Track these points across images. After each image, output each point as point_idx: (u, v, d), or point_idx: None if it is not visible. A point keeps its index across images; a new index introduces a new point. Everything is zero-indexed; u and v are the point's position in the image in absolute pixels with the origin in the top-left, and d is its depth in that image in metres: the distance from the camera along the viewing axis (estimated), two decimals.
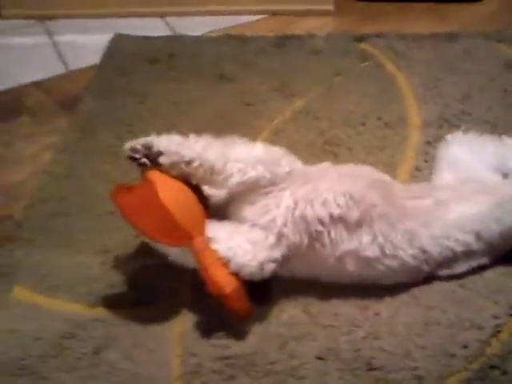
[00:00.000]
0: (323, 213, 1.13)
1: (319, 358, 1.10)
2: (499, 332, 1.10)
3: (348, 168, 1.25)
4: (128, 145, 1.15)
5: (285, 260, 1.16)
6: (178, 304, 1.22)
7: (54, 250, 1.37)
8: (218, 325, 1.17)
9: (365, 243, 1.14)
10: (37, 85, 1.89)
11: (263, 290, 1.21)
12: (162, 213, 1.09)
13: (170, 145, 1.14)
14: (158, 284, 1.27)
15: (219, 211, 1.22)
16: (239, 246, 1.11)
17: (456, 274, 1.19)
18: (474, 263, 1.18)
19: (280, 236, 1.14)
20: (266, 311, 1.19)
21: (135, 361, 1.13)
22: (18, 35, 2.14)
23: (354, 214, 1.13)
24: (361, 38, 1.89)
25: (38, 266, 1.33)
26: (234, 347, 1.13)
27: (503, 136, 1.39)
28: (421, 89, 1.69)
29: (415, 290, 1.19)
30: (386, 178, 1.27)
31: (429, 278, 1.20)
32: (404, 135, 1.56)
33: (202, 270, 1.11)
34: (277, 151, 1.20)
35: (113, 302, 1.25)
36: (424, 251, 1.15)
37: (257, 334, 1.15)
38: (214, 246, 1.11)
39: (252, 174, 1.13)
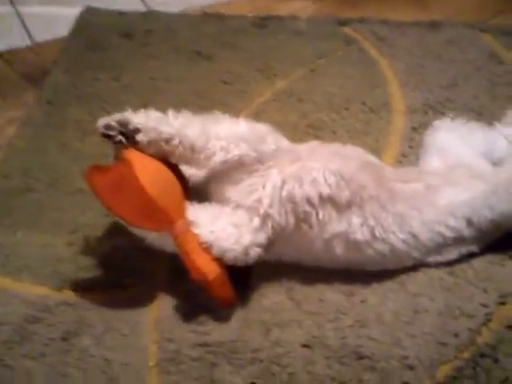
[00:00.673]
0: (312, 192, 1.07)
1: (305, 346, 1.05)
2: (489, 321, 1.07)
3: (338, 147, 1.19)
4: (102, 121, 1.07)
5: (270, 243, 1.10)
6: (153, 287, 1.16)
7: (18, 229, 1.29)
8: (196, 309, 1.11)
9: (354, 225, 1.09)
10: None
11: (242, 274, 1.14)
12: (139, 195, 1.02)
13: (148, 121, 1.06)
14: (132, 266, 1.20)
15: (199, 192, 1.15)
16: (222, 229, 1.05)
17: (445, 261, 1.15)
18: (463, 250, 1.15)
19: (265, 217, 1.07)
20: (247, 296, 1.13)
21: (108, 347, 1.07)
22: None
23: (344, 195, 1.08)
24: (343, 23, 1.84)
25: (2, 247, 1.25)
26: (215, 333, 1.08)
27: (493, 123, 1.36)
28: (405, 75, 1.66)
29: (403, 277, 1.15)
30: (376, 160, 1.22)
31: (417, 265, 1.15)
32: (388, 120, 1.51)
33: (184, 255, 1.05)
34: (261, 128, 1.14)
35: (83, 285, 1.18)
36: (414, 236, 1.11)
37: (238, 320, 1.10)
38: (196, 231, 1.04)
39: (235, 152, 1.07)
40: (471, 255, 1.16)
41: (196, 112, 1.14)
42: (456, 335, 1.04)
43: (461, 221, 1.12)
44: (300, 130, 1.48)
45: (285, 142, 1.16)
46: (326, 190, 1.07)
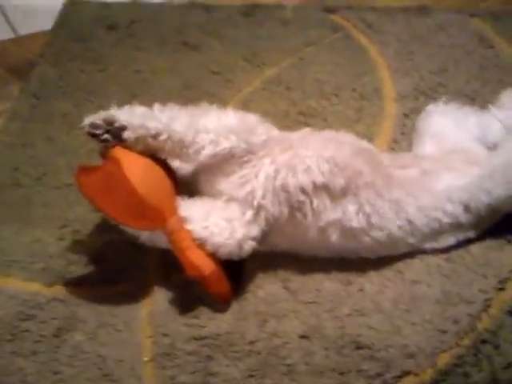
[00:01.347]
0: (306, 181, 1.05)
1: (302, 337, 1.04)
2: (489, 306, 1.06)
3: (331, 134, 1.17)
4: (87, 120, 1.04)
5: (264, 235, 1.08)
6: (146, 281, 1.14)
7: (6, 225, 1.27)
8: (190, 303, 1.10)
9: (350, 213, 1.07)
10: None
11: (236, 266, 1.12)
12: (130, 194, 0.99)
13: (134, 117, 1.03)
14: (123, 260, 1.18)
15: (188, 185, 1.12)
16: (215, 224, 1.03)
17: (442, 247, 1.13)
18: (460, 236, 1.13)
19: (259, 209, 1.05)
20: (243, 287, 1.11)
21: (101, 342, 1.05)
22: None
23: (339, 182, 1.06)
24: (331, 10, 1.81)
25: None
26: (210, 326, 1.06)
27: (487, 106, 1.34)
28: (394, 61, 1.63)
29: (400, 265, 1.13)
30: (370, 145, 1.20)
31: (414, 252, 1.13)
32: (380, 107, 1.49)
33: (178, 252, 1.02)
34: (251, 118, 1.11)
35: (74, 281, 1.16)
36: (410, 222, 1.09)
37: (234, 312, 1.08)
38: (189, 227, 1.02)
39: (225, 144, 1.04)
40: (468, 241, 1.14)
41: (184, 104, 1.11)
42: (456, 322, 1.03)
43: (457, 206, 1.10)
44: (290, 119, 1.46)
45: (275, 131, 1.14)
46: (319, 178, 1.05)
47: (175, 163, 1.13)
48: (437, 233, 1.12)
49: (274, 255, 1.14)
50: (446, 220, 1.10)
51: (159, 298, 1.10)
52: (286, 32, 1.74)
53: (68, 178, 1.35)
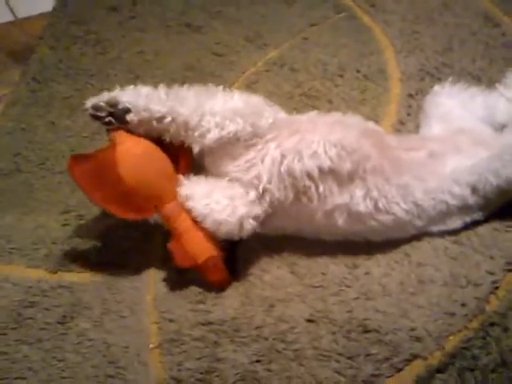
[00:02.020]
0: (312, 166, 1.03)
1: (309, 321, 1.02)
2: (497, 288, 1.04)
3: (338, 116, 1.15)
4: (90, 102, 1.02)
5: (267, 217, 1.06)
6: (150, 266, 1.13)
7: (8, 212, 1.26)
8: (196, 288, 1.08)
9: (357, 198, 1.05)
10: None
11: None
12: (117, 182, 0.97)
13: (138, 100, 1.01)
14: (127, 245, 1.18)
15: (195, 165, 1.11)
16: (217, 201, 1.02)
17: (450, 230, 1.12)
18: (468, 219, 1.11)
19: (264, 192, 1.04)
20: (248, 272, 1.10)
21: (106, 329, 1.04)
22: None
23: (346, 166, 1.04)
24: None
25: None
26: (216, 312, 1.05)
27: (495, 85, 1.32)
28: (399, 41, 1.61)
29: (406, 247, 1.11)
30: (377, 127, 1.18)
31: (421, 235, 1.12)
32: (385, 88, 1.47)
33: (174, 239, 1.01)
34: (257, 101, 1.09)
35: (78, 266, 1.16)
36: (418, 205, 1.07)
37: (240, 296, 1.07)
38: (190, 204, 1.01)
39: (231, 128, 1.02)
40: (476, 223, 1.13)
41: (187, 85, 1.09)
42: (463, 305, 1.01)
43: (465, 188, 1.08)
44: (294, 100, 1.44)
45: (282, 114, 1.12)
46: (326, 163, 1.03)
47: None
48: (444, 215, 1.10)
49: (279, 239, 1.13)
50: (453, 202, 1.09)
51: (164, 283, 1.09)
52: (289, 12, 1.72)
53: None
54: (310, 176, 1.04)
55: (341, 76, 1.51)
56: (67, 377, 0.98)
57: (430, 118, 1.27)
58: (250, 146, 1.05)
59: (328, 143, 1.04)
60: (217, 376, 0.96)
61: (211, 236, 1.03)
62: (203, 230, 1.02)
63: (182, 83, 1.09)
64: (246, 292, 1.07)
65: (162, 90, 1.04)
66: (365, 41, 1.62)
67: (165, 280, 1.10)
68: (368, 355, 0.97)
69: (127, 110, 1.00)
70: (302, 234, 1.12)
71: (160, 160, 1.03)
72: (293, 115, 1.15)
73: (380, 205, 1.05)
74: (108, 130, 1.04)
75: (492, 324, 0.99)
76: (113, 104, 1.01)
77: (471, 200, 1.09)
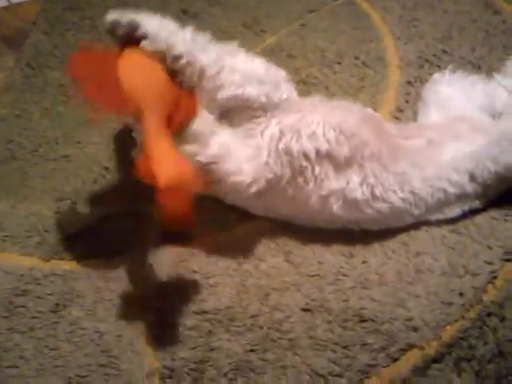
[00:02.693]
0: (309, 147, 1.02)
1: (305, 310, 1.01)
2: (495, 278, 1.03)
3: (340, 102, 1.13)
4: (111, 16, 0.98)
5: (262, 195, 1.05)
6: (144, 254, 1.11)
7: (2, 199, 1.25)
8: (191, 276, 1.07)
9: (354, 183, 1.04)
10: None
11: None
12: (116, 81, 0.91)
13: (160, 31, 0.97)
14: (121, 233, 1.16)
15: None
16: (235, 149, 1.01)
17: (448, 218, 1.10)
18: (466, 207, 1.10)
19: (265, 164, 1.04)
20: (244, 260, 1.09)
21: (100, 318, 1.03)
22: None
23: (344, 151, 1.03)
24: None
25: None
26: (211, 301, 1.04)
27: (492, 74, 1.30)
28: (398, 28, 1.59)
29: (404, 236, 1.11)
30: (377, 114, 1.17)
31: (418, 224, 1.11)
32: (383, 75, 1.45)
33: (145, 155, 0.91)
34: (278, 72, 1.09)
35: (71, 255, 1.14)
36: (415, 194, 1.06)
37: (235, 285, 1.06)
38: (211, 139, 0.98)
39: (247, 90, 1.01)
40: (474, 212, 1.12)
41: None
42: (461, 294, 1.00)
43: (463, 175, 1.07)
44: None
45: (294, 94, 1.11)
46: (324, 146, 1.02)
47: None
48: (442, 204, 1.09)
49: (276, 228, 1.12)
50: (451, 190, 1.08)
51: (157, 272, 1.08)
52: None
53: (65, 149, 1.33)
54: (306, 157, 1.03)
55: (339, 63, 1.49)
56: (59, 365, 0.97)
57: (428, 106, 1.26)
58: (253, 117, 1.03)
59: (328, 125, 1.03)
60: (211, 365, 0.95)
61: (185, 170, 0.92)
62: (181, 158, 0.93)
63: None
64: (241, 281, 1.06)
65: (188, 31, 1.01)
66: (363, 27, 1.60)
67: (159, 269, 1.09)
68: (364, 345, 0.96)
69: (145, 36, 0.96)
70: (299, 221, 1.10)
71: (161, 79, 0.97)
72: (301, 97, 1.14)
73: (377, 192, 1.04)
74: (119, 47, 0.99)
75: (489, 314, 0.98)
76: (133, 26, 0.97)
77: (469, 188, 1.08)
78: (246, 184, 1.01)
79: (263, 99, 1.02)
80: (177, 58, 0.97)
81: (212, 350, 0.97)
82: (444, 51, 1.50)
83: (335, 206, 1.05)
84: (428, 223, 1.11)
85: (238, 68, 1.00)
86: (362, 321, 0.99)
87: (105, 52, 0.98)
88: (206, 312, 1.01)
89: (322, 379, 0.93)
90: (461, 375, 0.92)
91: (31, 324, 1.02)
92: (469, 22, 1.58)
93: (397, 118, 1.34)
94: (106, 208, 1.20)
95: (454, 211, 1.10)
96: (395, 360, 0.94)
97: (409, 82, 1.42)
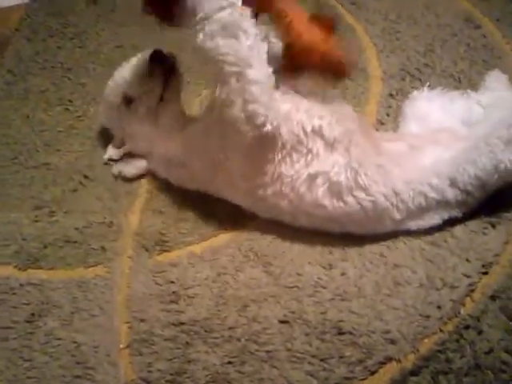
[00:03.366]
0: (306, 120, 1.08)
1: (283, 322, 1.01)
2: (472, 291, 1.03)
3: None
4: None
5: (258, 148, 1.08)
6: (122, 264, 1.11)
7: None
8: (169, 286, 1.06)
9: (339, 167, 1.08)
10: None
11: None
12: None
13: None
14: (99, 243, 1.15)
15: None
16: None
17: (428, 226, 1.11)
18: (446, 215, 1.11)
19: None
20: (221, 271, 1.08)
21: (76, 328, 1.02)
22: None
23: (334, 133, 1.08)
24: None
25: None
26: (189, 312, 1.03)
27: (467, 91, 1.31)
28: (380, 40, 1.60)
29: (382, 248, 1.11)
30: (364, 117, 1.22)
31: (397, 235, 1.11)
32: (365, 87, 1.46)
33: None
34: None
35: (48, 264, 1.13)
36: (397, 193, 1.07)
37: (213, 296, 1.05)
38: None
39: None
40: (453, 223, 1.12)
41: None
42: (439, 307, 1.01)
43: (444, 180, 1.08)
44: None
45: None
46: (317, 122, 1.08)
47: None
48: (423, 209, 1.09)
49: (254, 238, 1.12)
50: (432, 195, 1.08)
51: (136, 282, 1.08)
52: None
53: (45, 157, 1.32)
54: (303, 129, 1.08)
55: None
56: (33, 377, 0.96)
57: (409, 120, 1.28)
58: None
59: (322, 108, 1.10)
60: (188, 377, 0.95)
61: None
62: None
63: None
64: (219, 292, 1.06)
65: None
66: (347, 39, 1.60)
67: (137, 279, 1.08)
68: (341, 357, 0.96)
69: None
70: (282, 207, 1.11)
71: None
72: None
73: (360, 180, 1.06)
74: None
75: (467, 327, 0.98)
76: None
77: (450, 194, 1.08)
78: (260, 113, 1.03)
79: None
80: None
81: (189, 361, 0.96)
82: (426, 64, 1.51)
83: (321, 190, 1.07)
84: (407, 234, 1.11)
85: None
86: (340, 333, 0.98)
87: None
88: (183, 323, 1.01)
89: None
90: None
91: (5, 334, 1.01)
92: (450, 36, 1.59)
93: (378, 131, 1.35)
94: (85, 216, 1.19)
95: (434, 218, 1.10)
96: (373, 373, 0.94)
97: (391, 95, 1.43)
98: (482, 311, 1.00)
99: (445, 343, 0.96)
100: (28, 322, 1.02)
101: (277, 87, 1.10)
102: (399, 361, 0.95)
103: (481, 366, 0.93)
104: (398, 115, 1.34)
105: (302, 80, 1.13)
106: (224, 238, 1.13)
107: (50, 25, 1.65)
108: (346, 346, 0.97)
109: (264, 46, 1.03)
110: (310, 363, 0.96)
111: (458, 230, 1.12)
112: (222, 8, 0.99)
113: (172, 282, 1.06)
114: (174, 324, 1.01)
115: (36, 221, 1.19)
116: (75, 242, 1.15)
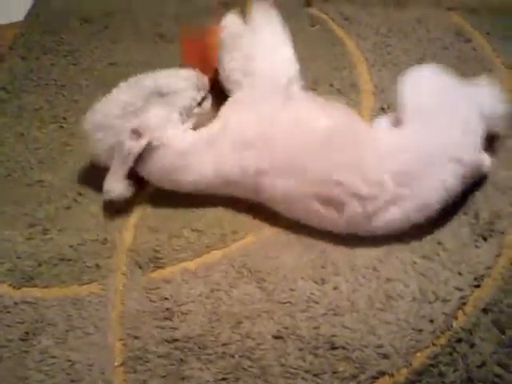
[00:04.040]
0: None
1: (277, 338, 1.01)
2: (464, 304, 1.04)
3: None
4: None
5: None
6: (116, 282, 1.11)
7: None
8: (163, 304, 1.06)
9: (322, 130, 1.17)
10: None
11: None
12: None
13: None
14: (93, 260, 1.15)
15: None
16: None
17: (387, 222, 1.11)
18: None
19: None
20: (215, 287, 1.09)
21: (70, 347, 1.02)
22: None
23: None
24: (308, 3, 1.79)
25: None
26: (182, 329, 1.03)
27: None
28: (372, 55, 1.61)
29: (375, 262, 1.12)
30: None
31: (389, 250, 1.12)
32: (357, 101, 1.47)
33: None
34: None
35: (43, 282, 1.13)
36: (380, 184, 1.08)
37: (206, 312, 1.06)
38: None
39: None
40: (442, 236, 1.13)
41: None
42: (431, 321, 1.01)
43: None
44: None
45: None
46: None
47: None
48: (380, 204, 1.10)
49: (247, 254, 1.12)
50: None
51: (130, 299, 1.08)
52: None
53: (39, 174, 1.33)
54: None
55: (314, 89, 1.50)
56: None
57: None
58: None
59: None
60: None
61: None
62: None
63: None
64: (213, 308, 1.06)
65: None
66: (338, 54, 1.62)
67: (131, 296, 1.09)
68: (335, 372, 0.96)
69: None
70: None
71: None
72: None
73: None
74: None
75: (459, 340, 0.99)
76: None
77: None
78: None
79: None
80: None
81: (183, 378, 0.97)
82: None
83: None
84: (400, 247, 1.12)
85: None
86: (333, 348, 0.99)
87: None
88: (177, 340, 1.01)
89: None
90: None
91: (0, 353, 1.01)
92: (441, 50, 1.61)
93: None
94: (79, 234, 1.20)
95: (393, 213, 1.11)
96: None
97: (382, 109, 1.44)
98: (474, 324, 1.01)
99: (437, 357, 0.97)
100: (22, 340, 1.02)
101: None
102: (392, 375, 0.96)
103: (473, 379, 0.94)
104: None
105: None
106: (217, 254, 1.14)
107: (43, 43, 1.66)
108: (339, 360, 0.98)
109: None
110: (303, 378, 0.96)
111: (450, 242, 1.13)
112: None
113: (166, 299, 1.07)
114: (167, 341, 1.01)
115: (30, 238, 1.19)
116: (69, 259, 1.15)
